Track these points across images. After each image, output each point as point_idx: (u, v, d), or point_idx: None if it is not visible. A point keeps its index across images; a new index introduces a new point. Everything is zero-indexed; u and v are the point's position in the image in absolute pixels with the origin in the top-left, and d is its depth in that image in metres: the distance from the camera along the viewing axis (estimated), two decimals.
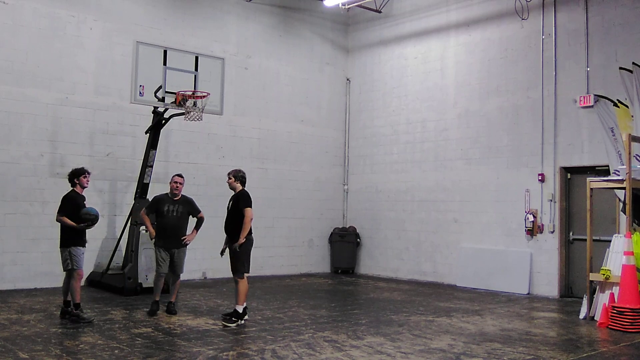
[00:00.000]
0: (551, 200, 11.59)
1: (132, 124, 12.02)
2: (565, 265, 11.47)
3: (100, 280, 11.05)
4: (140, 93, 10.24)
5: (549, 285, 11.46)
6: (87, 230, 8.23)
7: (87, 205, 8.34)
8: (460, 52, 13.37)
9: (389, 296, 11.25)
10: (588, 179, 9.63)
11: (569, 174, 11.62)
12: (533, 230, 11.72)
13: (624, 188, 8.96)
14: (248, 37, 14.03)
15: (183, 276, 8.79)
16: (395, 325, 8.29)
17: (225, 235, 8.38)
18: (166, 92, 10.38)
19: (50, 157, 11.18)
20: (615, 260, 8.76)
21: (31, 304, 9.16)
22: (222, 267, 12.50)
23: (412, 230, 14.00)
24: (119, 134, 12.01)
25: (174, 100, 10.37)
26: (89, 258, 11.48)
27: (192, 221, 9.01)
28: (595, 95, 10.68)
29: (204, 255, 12.57)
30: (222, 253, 8.37)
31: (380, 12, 14.70)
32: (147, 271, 10.52)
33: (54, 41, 11.34)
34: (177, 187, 8.76)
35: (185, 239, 8.74)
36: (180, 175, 8.91)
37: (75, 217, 8.05)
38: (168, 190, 8.95)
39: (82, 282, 11.15)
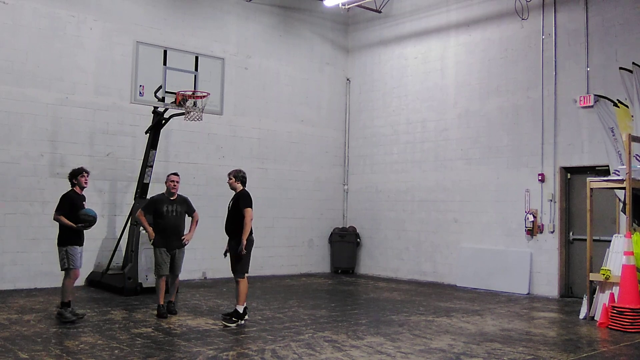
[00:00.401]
0: (551, 200, 11.59)
1: (132, 124, 12.02)
2: (565, 265, 11.47)
3: (100, 280, 11.05)
4: (140, 93, 10.24)
5: (549, 285, 11.46)
6: (85, 230, 8.22)
7: (86, 206, 8.35)
8: (460, 52, 13.37)
9: (389, 296, 11.25)
10: (588, 179, 9.63)
11: (569, 174, 11.62)
12: (533, 230, 11.72)
13: (624, 188, 8.96)
14: (248, 37, 14.03)
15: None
16: (395, 325, 8.29)
17: (228, 237, 8.39)
18: (166, 92, 10.38)
19: (50, 157, 11.18)
20: (615, 260, 8.76)
21: (31, 304, 9.16)
22: (222, 267, 12.51)
23: (412, 230, 14.00)
24: (119, 134, 12.01)
25: (174, 100, 10.37)
26: (89, 258, 11.50)
27: (187, 220, 8.99)
28: (595, 95, 10.67)
29: (204, 255, 12.58)
30: (225, 254, 8.37)
31: (380, 12, 14.70)
32: (147, 271, 10.52)
33: (54, 41, 11.34)
34: (175, 185, 8.71)
35: (184, 238, 8.73)
36: (176, 174, 8.87)
37: (72, 217, 8.05)
38: (164, 190, 8.90)
39: (82, 282, 11.31)
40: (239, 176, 8.40)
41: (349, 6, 14.19)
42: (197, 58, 10.92)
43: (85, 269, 11.43)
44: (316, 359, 6.36)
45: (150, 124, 10.87)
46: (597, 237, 9.77)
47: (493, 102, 12.66)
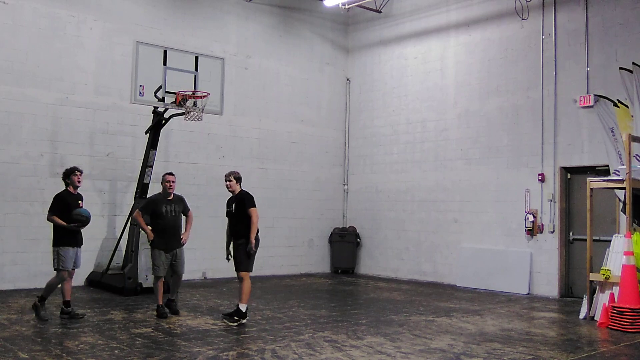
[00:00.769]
0: (551, 200, 11.59)
1: (132, 124, 12.02)
2: (565, 265, 11.47)
3: (100, 280, 11.05)
4: (140, 93, 10.24)
5: (549, 285, 11.46)
6: (81, 229, 8.18)
7: (86, 206, 8.34)
8: (460, 52, 13.37)
9: (389, 296, 11.25)
10: (588, 179, 9.63)
11: (569, 174, 11.62)
12: (533, 230, 11.72)
13: (624, 188, 8.96)
14: (248, 37, 14.03)
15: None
16: (395, 325, 8.29)
17: (228, 238, 8.38)
18: (166, 92, 10.38)
19: (50, 157, 11.18)
20: (615, 260, 8.76)
21: (31, 304, 9.14)
22: (222, 267, 12.52)
23: (412, 230, 14.00)
24: (119, 134, 12.01)
25: (174, 100, 10.37)
26: (89, 258, 11.51)
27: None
28: (595, 95, 10.67)
29: (204, 255, 12.58)
30: (229, 258, 8.37)
31: (380, 12, 14.70)
32: (147, 271, 10.51)
33: (54, 41, 11.35)
34: (171, 185, 8.66)
35: (183, 238, 8.69)
36: (171, 174, 8.80)
37: (66, 217, 8.04)
38: (161, 190, 8.84)
39: (82, 282, 11.32)
40: (238, 178, 8.43)
41: (349, 6, 14.19)
42: (197, 58, 10.92)
43: (85, 269, 11.45)
44: (316, 359, 6.36)
45: (150, 124, 10.87)
46: (597, 237, 9.78)
47: (493, 102, 12.65)
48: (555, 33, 11.74)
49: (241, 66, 13.86)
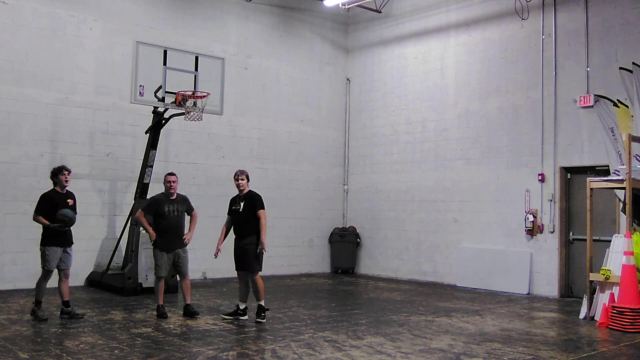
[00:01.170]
0: (551, 200, 11.59)
1: (132, 124, 12.02)
2: (565, 265, 11.47)
3: (100, 280, 11.05)
4: (140, 93, 10.24)
5: (549, 285, 11.46)
6: (62, 230, 8.10)
7: (73, 204, 8.28)
8: (460, 52, 13.37)
9: (389, 296, 11.25)
10: (588, 179, 9.63)
11: (569, 174, 11.62)
12: (533, 230, 11.72)
13: (624, 188, 8.96)
14: (248, 37, 14.03)
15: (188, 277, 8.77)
16: (395, 325, 8.29)
17: (235, 237, 8.39)
18: (166, 92, 10.38)
19: (50, 157, 11.18)
20: (615, 260, 8.76)
21: (31, 304, 9.14)
22: (222, 267, 12.55)
23: (412, 230, 14.00)
24: (119, 134, 12.01)
25: (174, 100, 10.37)
26: (89, 258, 11.53)
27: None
28: (595, 95, 10.67)
29: (204, 255, 12.56)
30: (217, 255, 8.44)
31: (380, 12, 14.70)
32: (147, 271, 10.52)
33: (54, 41, 11.35)
34: (172, 185, 8.64)
35: (185, 238, 8.67)
36: (172, 174, 8.77)
37: (52, 217, 8.02)
38: (163, 190, 8.83)
39: (82, 282, 11.33)
40: (248, 177, 8.50)
41: (349, 6, 14.19)
42: (197, 58, 10.92)
43: (85, 269, 11.48)
44: (316, 359, 6.36)
45: (150, 124, 10.87)
46: (597, 237, 9.78)
47: (493, 102, 12.65)
48: (555, 33, 11.74)
49: (241, 66, 13.86)
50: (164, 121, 10.77)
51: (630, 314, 8.07)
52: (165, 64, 10.48)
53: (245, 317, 8.37)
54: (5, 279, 10.63)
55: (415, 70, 14.22)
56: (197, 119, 10.49)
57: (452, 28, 13.55)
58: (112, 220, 11.87)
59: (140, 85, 10.23)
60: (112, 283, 10.68)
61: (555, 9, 11.80)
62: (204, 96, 10.40)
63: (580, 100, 11.19)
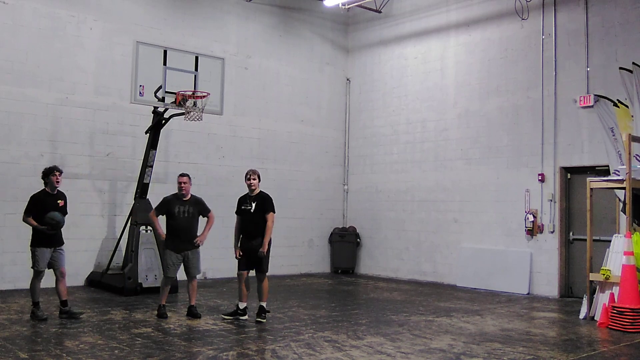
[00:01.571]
0: (551, 200, 11.59)
1: (132, 124, 12.02)
2: (565, 265, 11.47)
3: (100, 280, 11.05)
4: (140, 93, 10.24)
5: (549, 285, 11.46)
6: (50, 232, 8.03)
7: (64, 204, 8.24)
8: (460, 52, 13.37)
9: (389, 296, 11.25)
10: (588, 179, 9.63)
11: (569, 174, 11.62)
12: (533, 230, 11.72)
13: (624, 188, 8.96)
14: (248, 37, 14.03)
15: (182, 276, 8.76)
16: (395, 325, 8.29)
17: (243, 237, 8.38)
18: (166, 92, 10.37)
19: (50, 157, 11.17)
20: (615, 260, 8.76)
21: (31, 304, 9.14)
22: (222, 267, 12.56)
23: (412, 230, 13.99)
24: (119, 134, 12.01)
25: (174, 100, 10.37)
26: (89, 258, 11.53)
27: (202, 221, 8.88)
28: (595, 95, 10.67)
29: (204, 255, 12.39)
30: (237, 256, 8.39)
31: (380, 12, 14.70)
32: (147, 271, 10.53)
33: (54, 41, 11.34)
34: (182, 187, 8.57)
35: (197, 240, 8.55)
36: (183, 175, 8.68)
37: (41, 218, 7.97)
38: (176, 191, 8.79)
39: (82, 282, 11.32)
40: (259, 176, 8.47)
41: (349, 6, 14.19)
42: (197, 58, 10.91)
43: (85, 269, 11.48)
44: (316, 359, 6.36)
45: (150, 124, 10.87)
46: (597, 237, 9.77)
47: (493, 102, 12.66)
48: (555, 33, 11.74)
49: (241, 66, 13.86)
50: (164, 121, 10.77)
51: (630, 314, 8.07)
52: (165, 64, 10.48)
53: (245, 317, 8.37)
54: (5, 279, 10.63)
55: (415, 70, 14.22)
56: (197, 119, 10.49)
57: (452, 28, 13.55)
58: (112, 220, 11.87)
59: (140, 85, 10.23)
60: (112, 283, 10.68)
61: (555, 9, 11.80)
62: (204, 96, 10.40)
63: (580, 100, 11.19)
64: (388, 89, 14.81)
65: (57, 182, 8.20)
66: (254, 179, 8.38)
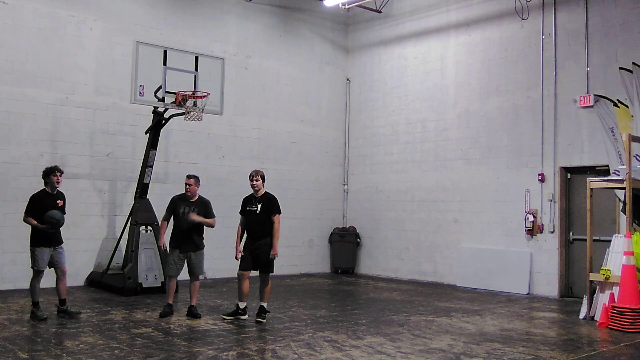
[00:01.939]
0: (551, 200, 11.59)
1: (132, 124, 12.02)
2: (565, 265, 11.47)
3: (100, 280, 11.05)
4: (140, 93, 10.24)
5: (549, 285, 11.46)
6: (50, 231, 8.04)
7: (62, 204, 8.26)
8: (460, 52, 13.37)
9: (389, 296, 11.25)
10: (588, 179, 9.63)
11: (569, 174, 11.62)
12: (533, 230, 11.72)
13: (624, 188, 8.96)
14: (248, 37, 14.03)
15: (182, 276, 8.75)
16: (395, 325, 8.29)
17: (247, 238, 8.38)
18: (166, 92, 10.37)
19: (50, 157, 11.17)
20: (615, 260, 8.76)
21: (31, 304, 9.14)
22: (222, 267, 12.56)
23: (412, 230, 13.99)
24: (119, 134, 12.01)
25: (174, 100, 10.37)
26: (89, 258, 11.52)
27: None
28: (595, 95, 10.67)
29: (204, 255, 12.56)
30: (237, 257, 8.40)
31: (380, 12, 14.70)
32: (147, 271, 10.53)
33: (54, 41, 11.34)
34: (187, 188, 8.58)
35: (190, 217, 8.42)
36: (190, 177, 8.65)
37: (41, 217, 7.99)
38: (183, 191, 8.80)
39: (82, 282, 11.32)
40: (264, 177, 8.44)
41: (349, 6, 14.19)
42: (197, 58, 10.91)
43: (85, 269, 11.47)
44: (316, 359, 6.36)
45: (150, 124, 10.87)
46: (597, 237, 9.77)
47: (493, 102, 12.66)
48: (555, 33, 11.74)
49: (241, 66, 13.85)
50: (164, 121, 10.77)
51: (630, 314, 8.08)
52: (165, 64, 10.48)
53: (245, 317, 8.38)
54: (5, 279, 10.63)
55: (415, 70, 14.22)
56: (197, 119, 10.49)
57: (452, 28, 13.55)
58: (112, 220, 11.87)
59: (140, 85, 10.23)
60: (112, 283, 10.68)
61: (555, 9, 11.80)
62: (204, 96, 10.40)
63: (580, 100, 11.19)
64: (388, 89, 14.81)
65: (58, 182, 8.22)
66: (257, 180, 8.36)
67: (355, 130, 15.58)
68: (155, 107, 10.62)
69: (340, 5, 13.95)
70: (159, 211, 9.91)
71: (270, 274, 8.41)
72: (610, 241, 9.13)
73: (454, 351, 6.83)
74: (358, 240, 15.12)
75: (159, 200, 10.76)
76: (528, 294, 11.64)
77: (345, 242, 14.98)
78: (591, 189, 9.36)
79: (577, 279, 11.21)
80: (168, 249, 8.64)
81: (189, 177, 8.69)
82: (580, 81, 11.29)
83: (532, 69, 12.03)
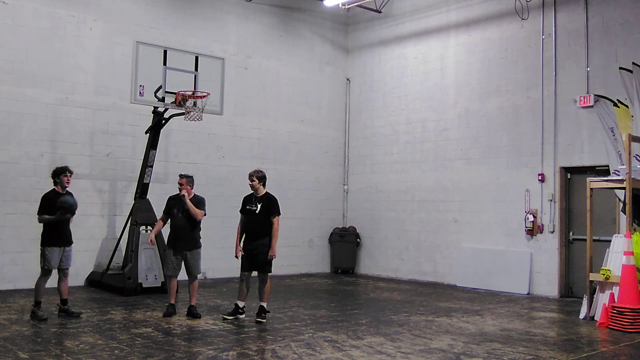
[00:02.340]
0: (551, 200, 11.59)
1: (132, 124, 12.02)
2: (565, 265, 11.47)
3: (100, 280, 11.05)
4: (140, 93, 10.24)
5: (549, 285, 11.46)
6: (66, 217, 8.10)
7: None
8: (460, 52, 13.37)
9: (389, 296, 11.25)
10: (588, 179, 9.63)
11: (569, 174, 11.62)
12: (533, 230, 11.72)
13: (624, 188, 8.96)
14: (248, 37, 14.03)
15: (182, 276, 8.75)
16: (395, 325, 8.29)
17: (245, 237, 8.39)
18: (166, 92, 10.38)
19: (50, 157, 11.18)
20: (615, 260, 8.76)
21: (31, 304, 9.14)
22: (222, 267, 12.56)
23: (412, 230, 13.99)
24: (119, 134, 12.01)
25: (174, 100, 10.37)
26: (89, 258, 11.52)
27: (203, 223, 8.84)
28: (595, 95, 10.68)
29: (204, 255, 12.36)
30: (237, 256, 8.41)
31: (380, 12, 14.70)
32: (147, 271, 10.53)
33: (54, 41, 11.34)
34: (179, 188, 8.62)
35: (183, 192, 8.41)
36: (181, 176, 8.68)
37: (52, 215, 8.09)
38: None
39: (82, 282, 11.33)
40: (260, 177, 8.40)
41: (349, 6, 14.19)
42: (197, 58, 10.91)
43: (85, 269, 11.47)
44: (316, 359, 6.36)
45: (150, 124, 10.87)
46: (597, 237, 9.78)
47: (493, 102, 12.66)
48: (555, 33, 11.74)
49: (241, 66, 13.85)
50: (164, 121, 10.77)
51: (630, 314, 8.07)
52: (165, 64, 10.48)
53: (243, 316, 8.39)
54: (5, 279, 10.63)
55: (415, 70, 14.22)
56: (197, 119, 10.49)
57: (452, 28, 13.55)
58: (112, 220, 11.87)
59: (140, 85, 10.23)
60: (112, 283, 10.68)
61: (555, 9, 11.80)
62: (204, 96, 10.40)
63: (580, 100, 11.19)
64: (388, 89, 14.81)
65: (68, 182, 8.36)
66: (253, 181, 8.37)
67: (355, 130, 15.58)
68: (155, 107, 10.62)
69: (340, 5, 13.95)
70: (159, 211, 9.90)
71: (269, 274, 8.40)
72: (610, 241, 9.13)
73: (454, 351, 6.83)
74: (358, 240, 15.12)
75: (159, 200, 10.74)
76: (528, 294, 11.64)
77: (345, 242, 14.98)
78: (591, 189, 9.36)
79: (577, 279, 11.21)
80: (160, 248, 8.64)
81: (181, 176, 8.71)
82: (580, 81, 11.29)
83: (532, 69, 12.03)
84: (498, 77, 12.60)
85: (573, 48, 11.48)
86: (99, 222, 11.72)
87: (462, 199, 13.06)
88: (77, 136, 11.54)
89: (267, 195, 8.42)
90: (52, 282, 8.47)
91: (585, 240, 9.70)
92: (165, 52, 10.57)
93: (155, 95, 10.35)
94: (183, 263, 8.58)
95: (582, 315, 9.09)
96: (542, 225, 11.65)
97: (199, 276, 12.72)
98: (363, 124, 15.37)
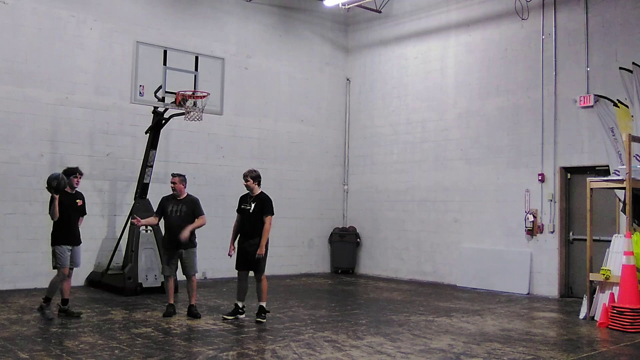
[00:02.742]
0: (551, 200, 11.59)
1: (132, 124, 12.01)
2: (565, 265, 11.47)
3: (100, 280, 11.05)
4: (140, 93, 10.24)
5: (549, 285, 11.46)
6: (58, 191, 8.09)
7: (82, 204, 8.49)
8: (460, 52, 13.37)
9: (389, 296, 11.25)
10: (588, 179, 9.63)
11: (569, 174, 11.62)
12: (533, 230, 11.72)
13: (624, 188, 8.96)
14: (248, 37, 14.03)
15: (182, 276, 8.75)
16: (395, 325, 8.29)
17: (240, 236, 8.42)
18: (166, 92, 10.38)
19: (50, 157, 11.18)
20: (615, 260, 8.76)
21: (31, 304, 9.16)
22: (222, 267, 12.55)
23: (412, 230, 13.99)
24: (119, 134, 12.01)
25: (174, 100, 10.37)
26: (89, 258, 11.51)
27: (208, 223, 8.85)
28: (595, 95, 10.67)
29: (204, 255, 12.50)
30: (231, 254, 8.43)
31: (380, 12, 14.70)
32: (147, 271, 10.52)
33: (54, 41, 11.34)
34: (172, 187, 8.61)
35: (181, 236, 8.38)
36: (174, 175, 8.67)
37: (60, 215, 8.15)
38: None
39: (82, 282, 11.32)
40: (254, 177, 8.41)
41: (349, 6, 14.20)
42: (197, 58, 10.91)
43: (85, 269, 11.46)
44: (316, 359, 6.36)
45: (150, 124, 10.87)
46: (597, 237, 9.77)
47: (493, 102, 12.65)
48: (555, 33, 11.74)
49: (241, 66, 13.85)
50: (164, 121, 10.77)
51: (630, 314, 8.08)
52: (165, 64, 10.48)
53: (243, 315, 8.39)
54: (5, 279, 10.63)
55: (415, 70, 14.22)
56: (197, 119, 10.49)
57: (452, 28, 13.55)
58: (112, 220, 11.87)
59: (140, 85, 10.23)
60: (112, 283, 10.68)
61: (555, 9, 11.80)
62: (204, 96, 10.40)
63: (580, 100, 11.19)
64: (388, 89, 14.81)
65: (77, 183, 8.46)
66: (248, 181, 8.38)
67: (355, 130, 15.58)
68: (155, 107, 10.62)
69: (340, 5, 13.95)
70: None
71: (267, 273, 8.38)
72: (610, 241, 9.13)
73: (454, 351, 6.83)
74: (358, 240, 15.12)
75: (158, 200, 10.73)
76: (528, 294, 11.64)
77: (345, 242, 14.98)
78: (591, 189, 9.36)
79: (577, 279, 11.21)
80: (160, 248, 8.63)
81: (173, 175, 8.71)
82: (580, 81, 11.29)
83: (532, 69, 12.03)
84: (498, 77, 12.60)
85: (573, 48, 11.48)
86: (99, 222, 11.72)
87: (462, 199, 13.06)
88: (77, 136, 11.54)
89: (261, 195, 8.44)
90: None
91: (585, 240, 9.70)
92: (165, 52, 10.57)
93: (155, 95, 10.35)
94: (179, 263, 8.58)
95: (582, 315, 9.09)
96: (542, 225, 11.65)
97: (200, 276, 12.80)
98: (363, 124, 15.37)
